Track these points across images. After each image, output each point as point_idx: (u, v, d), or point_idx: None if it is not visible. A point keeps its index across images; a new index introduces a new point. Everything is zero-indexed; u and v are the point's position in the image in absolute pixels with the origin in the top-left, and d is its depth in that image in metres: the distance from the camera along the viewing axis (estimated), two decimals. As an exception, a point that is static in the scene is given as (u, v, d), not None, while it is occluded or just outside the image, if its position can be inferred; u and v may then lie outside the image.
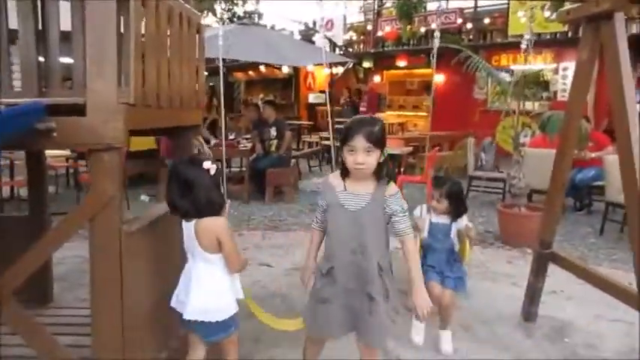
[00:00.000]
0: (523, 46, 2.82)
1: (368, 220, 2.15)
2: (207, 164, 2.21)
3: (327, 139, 11.30)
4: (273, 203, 7.33)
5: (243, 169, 8.07)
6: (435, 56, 2.73)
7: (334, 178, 2.27)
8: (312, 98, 15.86)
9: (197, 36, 3.04)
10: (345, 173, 2.20)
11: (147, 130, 2.73)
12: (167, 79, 2.54)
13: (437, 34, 2.83)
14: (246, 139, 8.49)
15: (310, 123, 13.76)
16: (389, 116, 13.65)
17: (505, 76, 10.35)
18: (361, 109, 12.84)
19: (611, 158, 6.32)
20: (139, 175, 8.58)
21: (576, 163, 7.25)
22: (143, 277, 2.43)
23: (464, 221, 3.29)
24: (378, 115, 12.49)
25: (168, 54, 2.54)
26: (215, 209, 2.21)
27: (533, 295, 3.58)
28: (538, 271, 3.50)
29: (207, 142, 7.65)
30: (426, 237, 3.26)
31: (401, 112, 14.11)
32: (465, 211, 3.31)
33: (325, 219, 2.29)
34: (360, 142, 2.07)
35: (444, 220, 3.26)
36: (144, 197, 7.47)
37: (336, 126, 12.14)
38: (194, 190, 2.17)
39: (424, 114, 13.73)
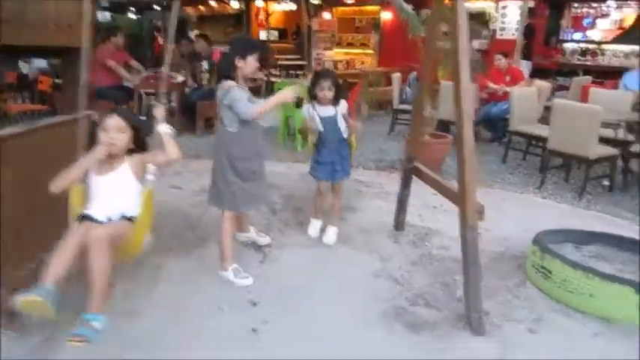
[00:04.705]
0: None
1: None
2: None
3: (276, 75, 11.45)
4: (203, 135, 7.57)
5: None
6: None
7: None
8: (262, 35, 15.74)
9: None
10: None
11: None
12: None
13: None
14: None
15: (258, 59, 13.69)
16: (337, 54, 13.76)
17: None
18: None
19: (515, 91, 6.75)
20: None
21: (492, 97, 7.70)
22: (14, 185, 2.70)
23: (344, 105, 3.75)
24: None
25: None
26: None
27: (401, 206, 4.03)
28: (404, 184, 3.94)
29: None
30: (322, 131, 3.72)
31: (349, 50, 14.22)
32: (343, 96, 3.90)
33: None
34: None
35: (329, 111, 3.71)
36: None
37: (285, 62, 12.25)
38: None
39: (371, 51, 13.90)
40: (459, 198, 2.96)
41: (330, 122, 3.72)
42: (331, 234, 3.94)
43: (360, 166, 6.15)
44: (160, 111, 2.86)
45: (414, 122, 3.86)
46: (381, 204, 4.81)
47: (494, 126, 7.77)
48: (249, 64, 3.17)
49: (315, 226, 4.05)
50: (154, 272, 3.43)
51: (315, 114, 3.72)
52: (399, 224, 4.09)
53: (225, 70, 3.21)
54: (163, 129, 2.76)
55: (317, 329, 2.89)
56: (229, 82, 3.16)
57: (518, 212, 4.83)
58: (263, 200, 3.67)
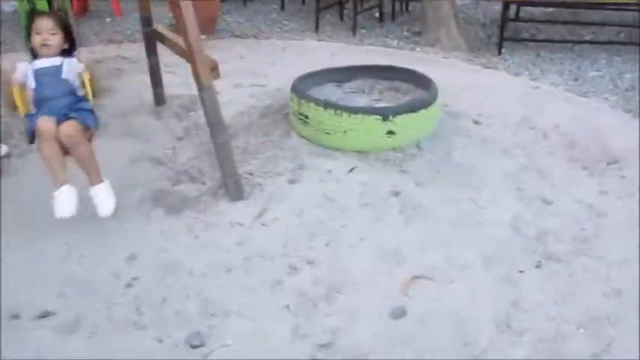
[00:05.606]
0: None
1: None
2: None
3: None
4: None
5: None
6: None
7: None
8: None
9: None
10: None
11: None
12: None
13: None
14: None
15: None
16: None
17: None
18: None
19: None
20: None
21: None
22: None
23: (79, 64, 2.50)
24: None
25: None
26: None
27: (154, 77, 3.58)
28: (150, 52, 3.45)
29: None
30: (35, 88, 2.43)
31: None
32: (75, 47, 2.59)
33: None
34: None
35: (52, 62, 2.45)
36: None
37: None
38: None
39: None
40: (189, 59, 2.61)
41: (50, 74, 2.42)
42: (104, 197, 2.45)
43: (125, 39, 5.42)
44: None
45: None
46: (145, 79, 4.27)
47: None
48: None
49: (65, 198, 2.35)
50: None
51: (30, 69, 2.44)
52: (159, 98, 3.67)
53: None
54: None
55: (62, 241, 2.51)
56: None
57: (294, 60, 4.66)
58: None
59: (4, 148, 3.27)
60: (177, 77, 4.03)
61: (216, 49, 4.72)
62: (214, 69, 2.58)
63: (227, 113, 3.57)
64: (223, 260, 2.32)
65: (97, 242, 2.49)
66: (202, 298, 2.10)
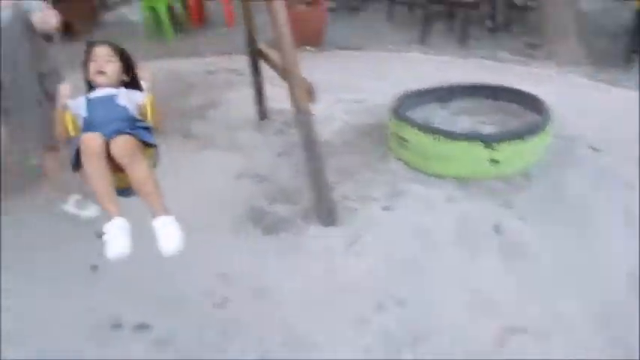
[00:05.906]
0: None
1: None
2: None
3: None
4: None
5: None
6: None
7: None
8: None
9: None
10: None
11: None
12: None
13: None
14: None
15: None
16: None
17: None
18: None
19: None
20: None
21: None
22: None
23: (141, 95, 2.15)
24: None
25: None
26: None
27: (259, 93, 3.68)
28: (254, 69, 3.54)
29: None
30: (86, 117, 2.06)
31: None
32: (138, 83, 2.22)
33: None
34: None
35: (108, 91, 2.12)
36: None
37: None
38: None
39: None
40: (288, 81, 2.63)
41: (104, 101, 2.09)
42: (171, 233, 1.92)
43: (236, 51, 5.64)
44: None
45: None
46: (247, 93, 4.41)
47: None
48: None
49: (117, 232, 1.86)
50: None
51: (83, 100, 2.10)
52: (262, 113, 3.77)
53: None
54: None
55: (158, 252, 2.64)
56: None
57: (398, 74, 4.56)
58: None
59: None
60: (284, 91, 4.11)
61: (320, 62, 4.76)
62: (310, 92, 2.57)
63: (326, 130, 3.60)
64: (312, 288, 2.30)
65: (192, 256, 2.57)
66: (287, 328, 2.10)
